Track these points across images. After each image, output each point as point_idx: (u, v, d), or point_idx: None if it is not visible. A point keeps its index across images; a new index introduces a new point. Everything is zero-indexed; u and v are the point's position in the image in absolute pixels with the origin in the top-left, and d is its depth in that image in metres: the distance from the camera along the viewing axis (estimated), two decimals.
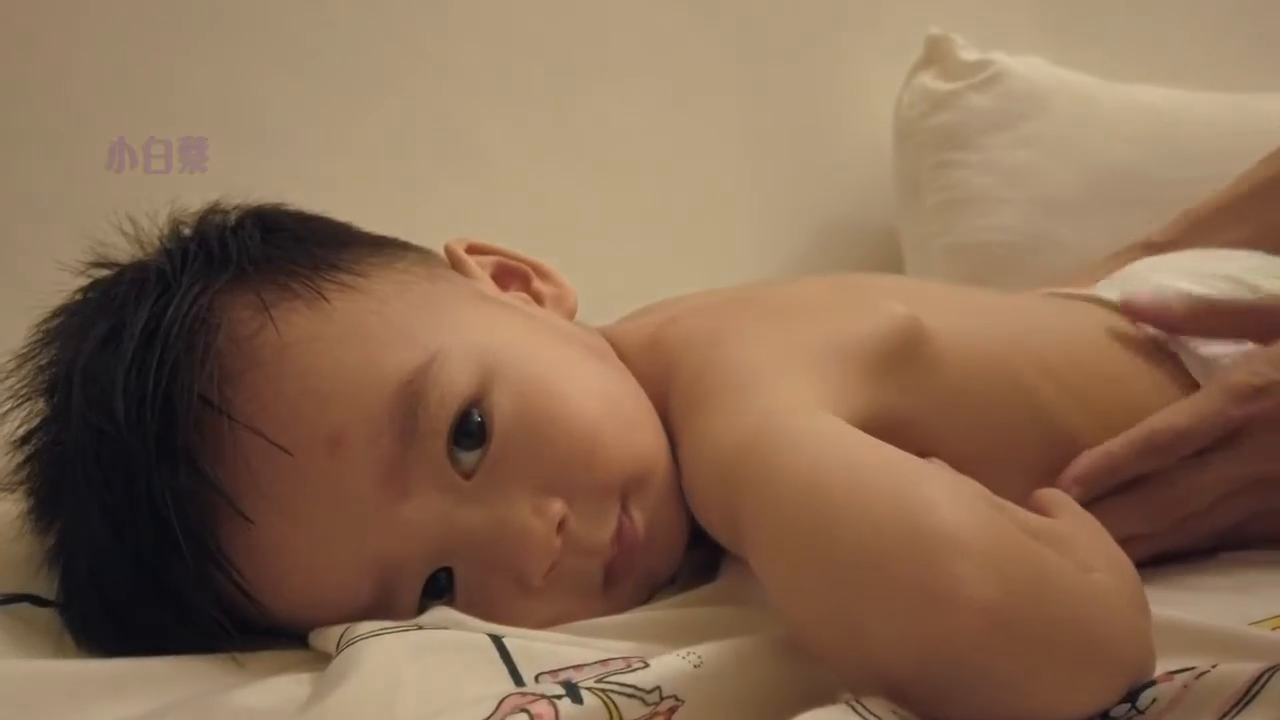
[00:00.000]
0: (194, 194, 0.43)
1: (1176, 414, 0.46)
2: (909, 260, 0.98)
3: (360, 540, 0.38)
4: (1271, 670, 0.30)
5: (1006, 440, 0.46)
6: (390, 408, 0.38)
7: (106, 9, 0.80)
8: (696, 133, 1.00)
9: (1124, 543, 0.42)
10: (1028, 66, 0.97)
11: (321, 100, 0.86)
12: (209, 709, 0.34)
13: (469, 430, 0.39)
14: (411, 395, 0.38)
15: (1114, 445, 0.45)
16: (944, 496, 0.30)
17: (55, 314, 0.44)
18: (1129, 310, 0.51)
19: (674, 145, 1.00)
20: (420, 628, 0.38)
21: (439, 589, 0.40)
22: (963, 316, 0.48)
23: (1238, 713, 0.29)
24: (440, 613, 0.39)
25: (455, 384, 0.39)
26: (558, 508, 0.39)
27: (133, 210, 0.45)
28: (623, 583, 0.41)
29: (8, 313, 0.43)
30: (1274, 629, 0.42)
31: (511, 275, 0.48)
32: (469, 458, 0.39)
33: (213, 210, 0.45)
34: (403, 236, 0.48)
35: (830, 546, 0.30)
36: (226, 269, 0.40)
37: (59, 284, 0.44)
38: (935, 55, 0.98)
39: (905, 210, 0.98)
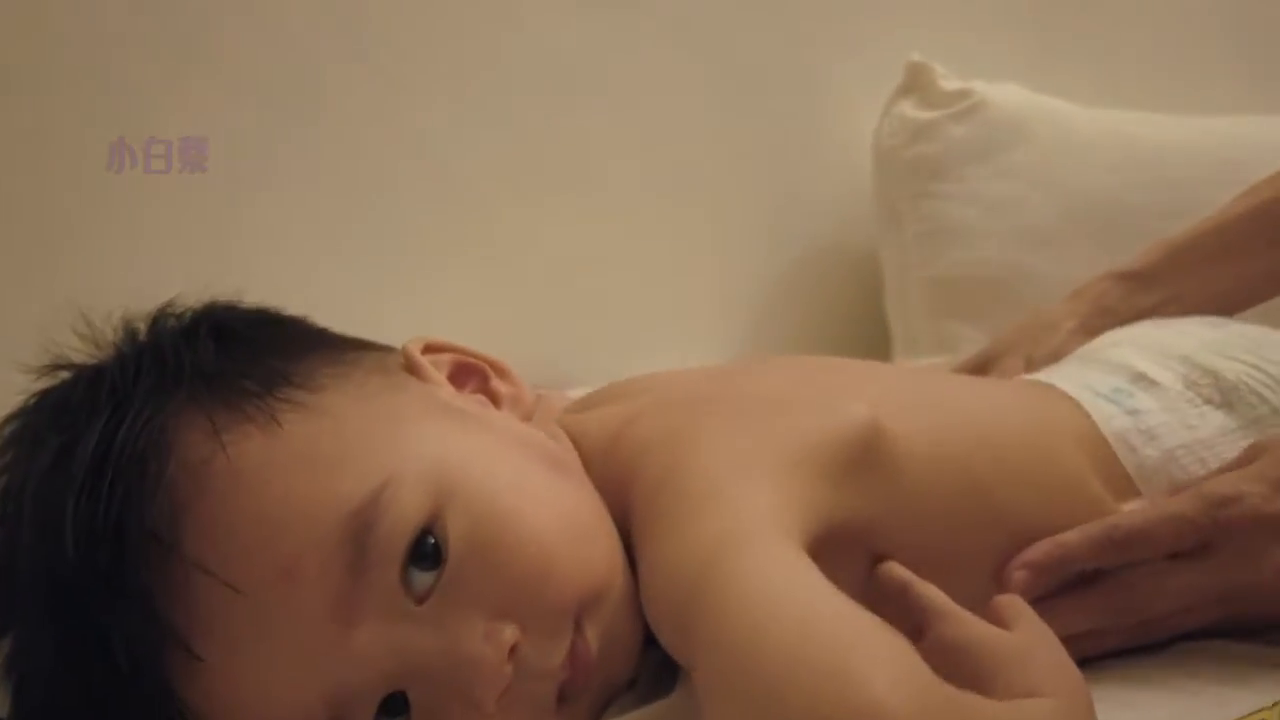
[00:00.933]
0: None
1: (1138, 513, 0.46)
2: (889, 288, 0.99)
3: (312, 672, 0.38)
4: None
5: (968, 543, 0.46)
6: (340, 538, 0.37)
7: None
8: (676, 159, 1.00)
9: (1078, 638, 0.43)
10: (1007, 95, 0.97)
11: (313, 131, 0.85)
12: None
13: (424, 554, 0.39)
14: (361, 525, 0.38)
15: (1069, 536, 0.45)
16: (881, 671, 0.30)
17: (9, 418, 0.43)
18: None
19: (653, 172, 1.00)
20: None
21: (395, 707, 0.39)
22: (925, 414, 0.48)
23: None
24: None
25: (407, 512, 0.38)
26: (509, 634, 0.39)
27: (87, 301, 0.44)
28: (579, 699, 0.41)
29: None
30: None
31: (469, 373, 0.47)
32: (424, 579, 0.39)
33: (165, 313, 0.44)
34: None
35: (771, 711, 0.30)
36: (180, 385, 0.40)
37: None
38: (915, 83, 0.98)
39: (886, 239, 0.99)
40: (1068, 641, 0.37)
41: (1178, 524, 0.45)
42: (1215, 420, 0.50)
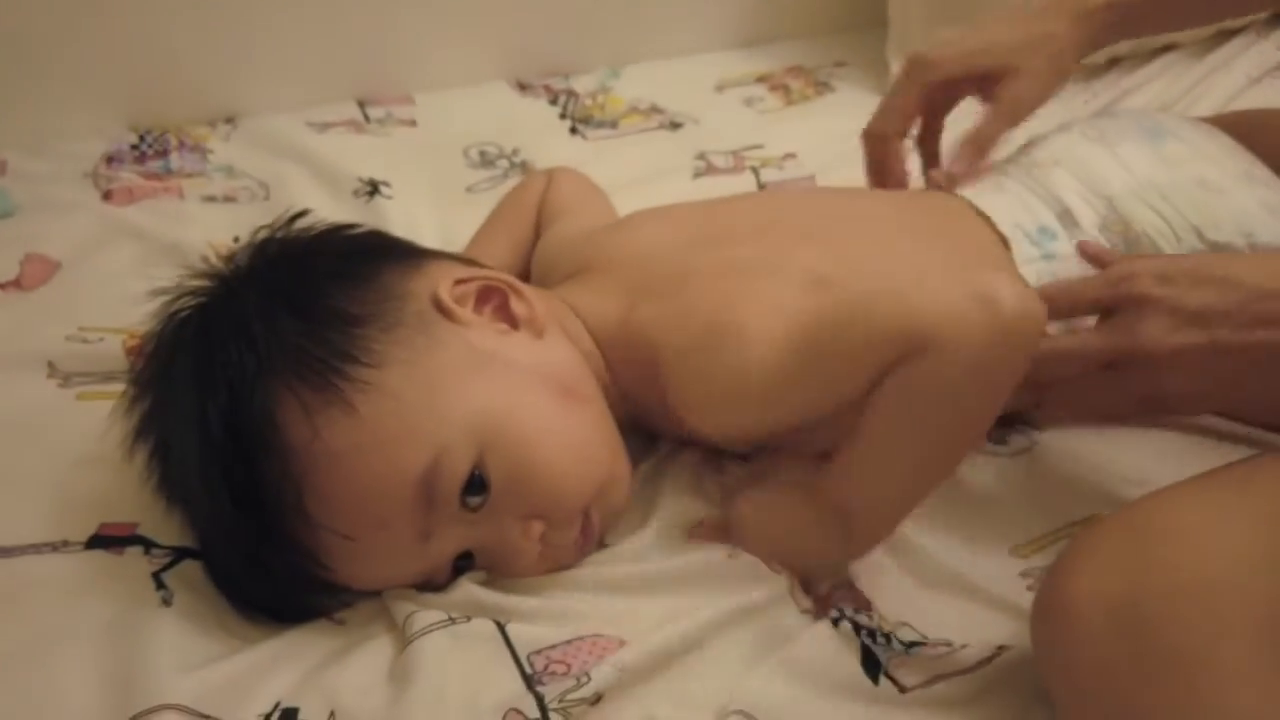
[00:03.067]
0: None
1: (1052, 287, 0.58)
2: None
3: (406, 567, 0.54)
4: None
5: None
6: (414, 496, 0.51)
7: None
8: None
9: None
10: None
11: None
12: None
13: (474, 487, 0.52)
14: (427, 484, 0.51)
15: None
16: None
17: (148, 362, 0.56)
18: None
19: None
20: (452, 620, 0.52)
21: (464, 562, 0.55)
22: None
23: None
24: (465, 590, 0.54)
25: (458, 470, 0.52)
26: (537, 528, 0.54)
27: None
28: (588, 543, 0.56)
29: None
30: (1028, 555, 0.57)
31: (491, 294, 0.57)
32: (475, 500, 0.53)
33: (241, 273, 0.57)
34: None
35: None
36: (273, 368, 0.51)
37: None
38: None
39: None
40: None
41: (1078, 295, 0.58)
42: None
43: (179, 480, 0.54)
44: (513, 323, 0.57)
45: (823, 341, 0.52)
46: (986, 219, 0.65)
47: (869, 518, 0.53)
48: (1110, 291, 0.56)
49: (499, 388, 0.53)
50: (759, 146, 0.93)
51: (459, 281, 0.57)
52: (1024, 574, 0.57)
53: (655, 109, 0.99)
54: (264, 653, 0.52)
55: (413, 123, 0.97)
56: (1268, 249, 0.63)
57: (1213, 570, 0.42)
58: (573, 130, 0.96)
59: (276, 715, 0.49)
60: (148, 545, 0.57)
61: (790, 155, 0.92)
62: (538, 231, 0.76)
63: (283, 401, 0.50)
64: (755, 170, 0.90)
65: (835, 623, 0.51)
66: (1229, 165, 0.68)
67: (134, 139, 0.92)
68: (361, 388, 0.51)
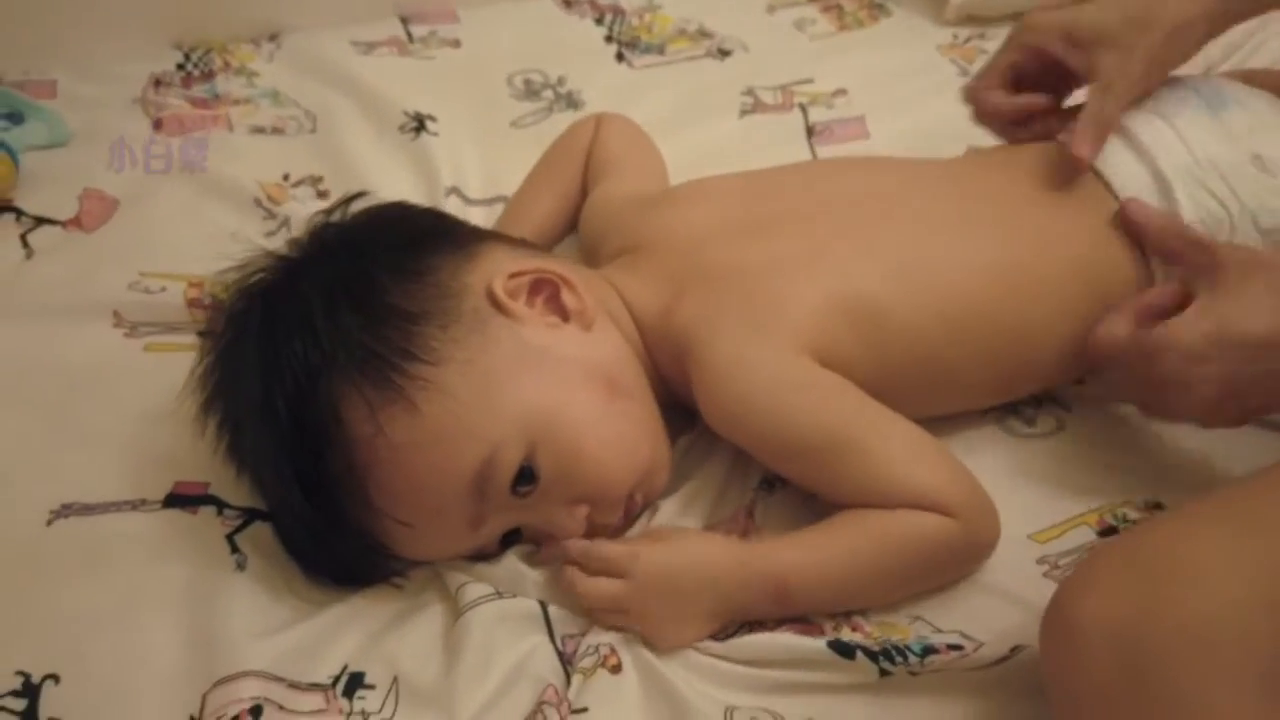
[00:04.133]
0: None
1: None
2: None
3: (460, 546, 0.58)
4: None
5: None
6: (469, 488, 0.54)
7: None
8: None
9: None
10: None
11: None
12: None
13: (525, 479, 0.56)
14: (482, 478, 0.54)
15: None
16: None
17: (217, 349, 0.59)
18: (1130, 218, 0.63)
19: None
20: (499, 595, 0.57)
21: (514, 536, 0.59)
22: (907, 287, 0.60)
23: None
24: (512, 565, 0.58)
25: (510, 465, 0.55)
26: (582, 512, 0.57)
27: None
28: (631, 523, 0.60)
29: None
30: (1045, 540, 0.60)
31: (544, 285, 0.59)
32: (525, 489, 0.56)
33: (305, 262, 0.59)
34: None
35: None
36: (336, 364, 0.54)
37: None
38: None
39: None
40: None
41: (1117, 344, 0.59)
42: None
43: (249, 458, 0.57)
44: (563, 315, 0.59)
45: (821, 450, 0.56)
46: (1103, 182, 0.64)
47: (774, 579, 0.55)
48: (1139, 370, 0.58)
49: (549, 384, 0.56)
50: (808, 81, 0.91)
51: (513, 275, 0.58)
52: (1040, 560, 0.60)
53: (703, 32, 0.97)
54: (330, 617, 0.56)
55: (456, 43, 0.96)
56: None
57: (1217, 611, 0.44)
58: (619, 57, 0.94)
59: (344, 678, 0.54)
60: (220, 505, 0.61)
61: (841, 92, 0.90)
62: (585, 183, 0.77)
63: (347, 397, 0.53)
64: (804, 108, 0.89)
65: (849, 654, 0.54)
66: None
67: (179, 58, 0.92)
68: (422, 385, 0.53)
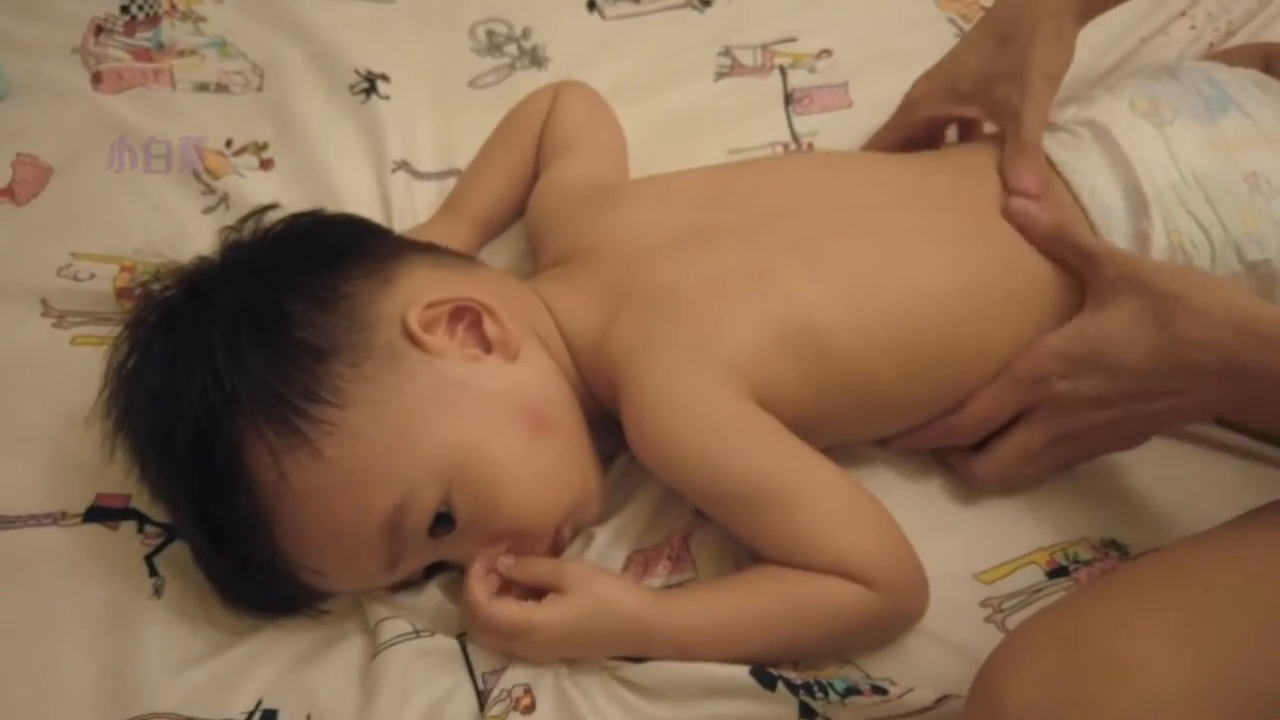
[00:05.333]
0: None
1: (969, 410, 0.59)
2: None
3: (377, 582, 0.56)
4: None
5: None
6: (381, 533, 0.52)
7: None
8: None
9: None
10: None
11: None
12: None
13: (441, 522, 0.53)
14: (395, 523, 0.52)
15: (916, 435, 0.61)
16: None
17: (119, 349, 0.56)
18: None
19: None
20: (418, 633, 0.55)
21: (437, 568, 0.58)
22: (857, 310, 0.57)
23: None
24: (432, 596, 0.57)
25: (426, 508, 0.52)
26: (495, 552, 0.55)
27: None
28: (558, 553, 0.57)
29: None
30: (990, 581, 0.58)
31: (464, 313, 0.56)
32: (442, 531, 0.54)
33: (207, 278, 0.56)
34: None
35: None
36: (239, 404, 0.51)
37: None
38: None
39: None
40: None
41: (999, 410, 0.58)
42: None
43: (158, 491, 0.55)
44: (485, 345, 0.56)
45: (746, 499, 0.53)
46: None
47: (675, 644, 0.53)
48: (1030, 396, 0.57)
49: (467, 423, 0.53)
50: (792, 40, 0.84)
51: (430, 305, 0.55)
52: (984, 602, 0.59)
53: None
54: (247, 648, 0.56)
55: None
56: None
57: (1148, 713, 0.43)
58: (590, 4, 0.88)
59: (258, 715, 0.53)
60: (141, 520, 0.60)
61: (825, 53, 0.83)
62: (538, 161, 0.73)
63: (249, 440, 0.51)
64: (784, 71, 0.82)
65: (770, 685, 0.52)
66: None
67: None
68: (328, 430, 0.51)
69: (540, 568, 0.54)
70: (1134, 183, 0.60)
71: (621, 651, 0.54)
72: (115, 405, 0.55)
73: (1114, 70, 0.82)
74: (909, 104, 0.70)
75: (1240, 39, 0.84)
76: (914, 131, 0.70)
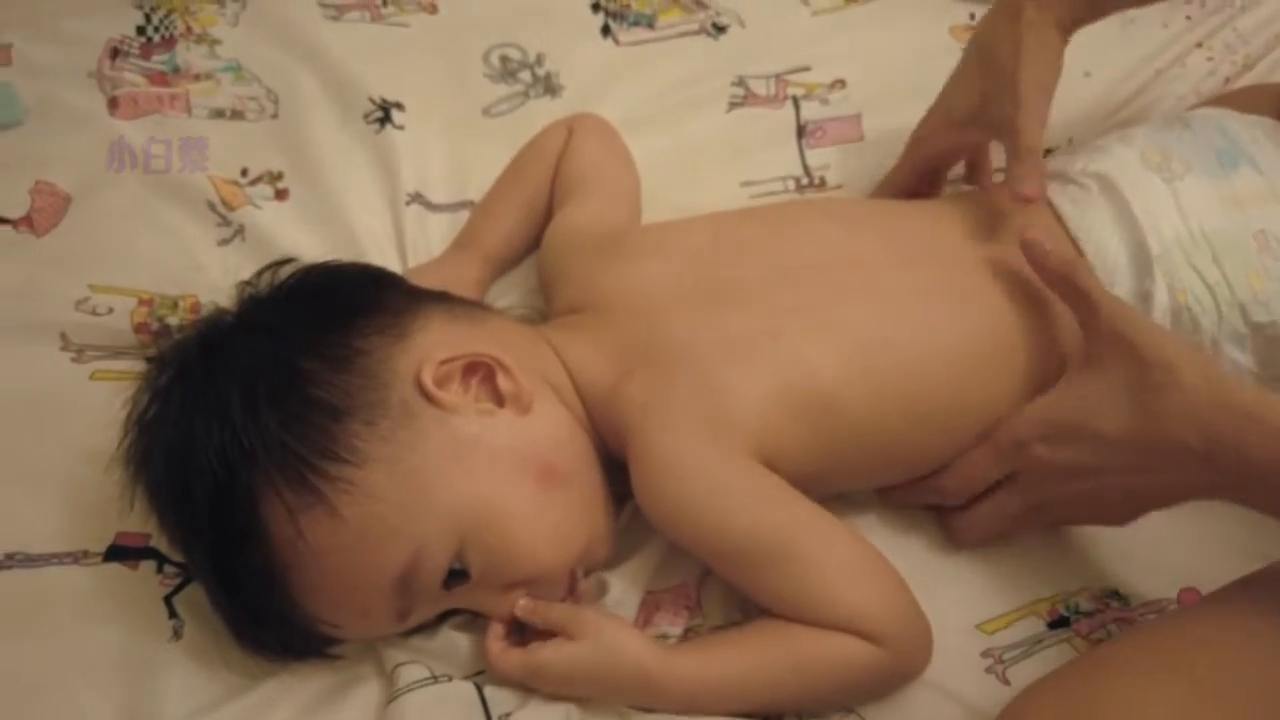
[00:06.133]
0: None
1: (949, 474, 0.60)
2: None
3: (391, 629, 0.57)
4: None
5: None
6: (394, 589, 0.54)
7: None
8: None
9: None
10: None
11: None
12: None
13: (454, 576, 0.55)
14: (408, 578, 0.53)
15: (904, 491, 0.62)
16: None
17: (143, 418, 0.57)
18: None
19: None
20: (435, 679, 0.56)
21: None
22: (863, 373, 0.58)
23: None
24: (448, 639, 0.58)
25: (438, 564, 0.54)
26: (513, 597, 0.56)
27: None
28: (574, 598, 0.58)
29: None
30: (992, 631, 0.59)
31: (477, 368, 0.57)
32: (455, 584, 0.55)
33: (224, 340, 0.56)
34: None
35: None
36: (255, 463, 0.52)
37: None
38: None
39: None
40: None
41: (983, 474, 0.59)
42: None
43: (175, 543, 0.57)
44: (498, 399, 0.57)
45: (753, 558, 0.54)
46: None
47: (681, 697, 0.54)
48: (1010, 461, 0.58)
49: (479, 479, 0.54)
50: (805, 69, 0.84)
51: (444, 361, 0.56)
52: (985, 653, 0.60)
53: (699, 1, 0.89)
54: (263, 692, 0.57)
55: (433, 8, 0.89)
56: None
57: None
58: (605, 30, 0.88)
59: None
60: (160, 561, 0.61)
61: (839, 83, 0.83)
62: (552, 198, 0.73)
63: (265, 497, 0.52)
64: (797, 102, 0.83)
65: None
66: None
67: (140, 19, 0.87)
68: (345, 489, 0.52)
69: (555, 614, 0.55)
70: (1139, 240, 0.60)
71: (628, 700, 0.55)
72: (134, 457, 0.56)
73: (1130, 102, 0.83)
74: (914, 144, 0.71)
75: (1259, 70, 0.84)
76: (923, 169, 0.71)
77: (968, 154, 0.71)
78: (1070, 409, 0.55)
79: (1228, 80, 0.83)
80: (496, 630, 0.55)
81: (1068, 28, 0.64)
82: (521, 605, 0.55)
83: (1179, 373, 0.51)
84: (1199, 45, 0.86)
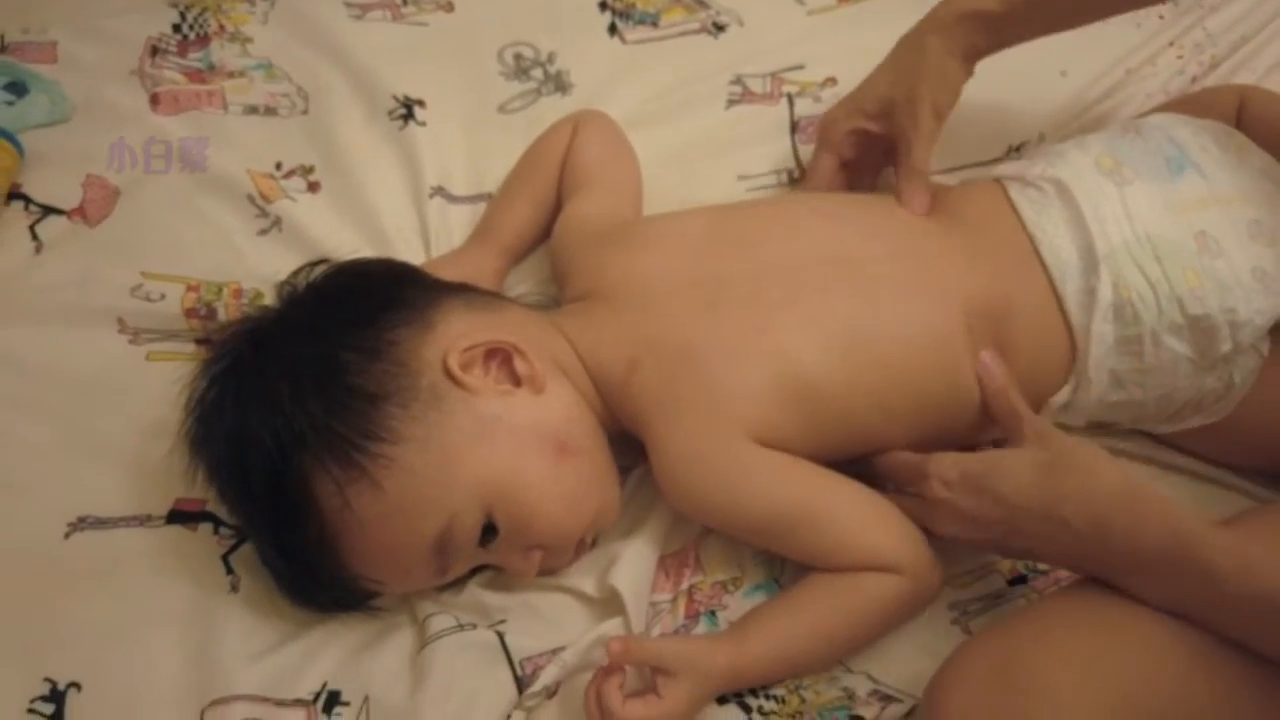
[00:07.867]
0: None
1: (882, 459, 0.66)
2: None
3: (428, 584, 0.65)
4: None
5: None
6: (431, 551, 0.61)
7: None
8: None
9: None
10: None
11: None
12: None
13: (487, 534, 0.62)
14: (444, 542, 0.61)
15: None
16: None
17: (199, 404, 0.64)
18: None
19: None
20: (461, 627, 0.64)
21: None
22: (841, 358, 0.64)
23: None
24: (473, 594, 0.66)
25: (470, 529, 0.61)
26: (537, 555, 0.64)
27: None
28: (580, 559, 0.66)
29: None
30: (959, 586, 0.66)
31: (496, 353, 0.64)
32: (489, 540, 0.63)
33: (270, 338, 0.63)
34: None
35: None
36: (305, 445, 0.59)
37: None
38: None
39: None
40: None
41: (897, 477, 0.65)
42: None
43: (234, 516, 0.64)
44: (515, 381, 0.64)
45: (778, 528, 0.63)
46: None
47: (762, 675, 0.62)
48: (917, 484, 0.63)
49: (502, 453, 0.61)
50: (799, 68, 0.90)
51: (467, 348, 0.62)
52: (952, 605, 0.67)
53: (701, 1, 0.95)
54: (313, 637, 0.64)
55: (450, 6, 0.95)
56: (1246, 327, 0.65)
57: None
58: (611, 29, 0.93)
59: (324, 695, 0.62)
60: (216, 523, 0.68)
61: (830, 81, 0.89)
62: (560, 191, 0.79)
63: (316, 475, 0.59)
64: (791, 100, 0.89)
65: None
66: (1239, 212, 0.67)
67: (175, 17, 0.92)
68: (385, 464, 0.59)
69: (646, 654, 0.59)
70: (1089, 243, 0.66)
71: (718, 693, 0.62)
72: (195, 438, 0.63)
73: (1102, 100, 0.88)
74: (824, 125, 0.77)
75: (1222, 71, 0.90)
76: (839, 154, 0.76)
77: (880, 144, 0.75)
78: (982, 465, 0.61)
79: (1194, 79, 0.89)
80: (611, 686, 0.58)
81: (970, 57, 0.71)
82: (613, 648, 0.58)
83: (1081, 461, 0.58)
84: (1170, 44, 0.91)
